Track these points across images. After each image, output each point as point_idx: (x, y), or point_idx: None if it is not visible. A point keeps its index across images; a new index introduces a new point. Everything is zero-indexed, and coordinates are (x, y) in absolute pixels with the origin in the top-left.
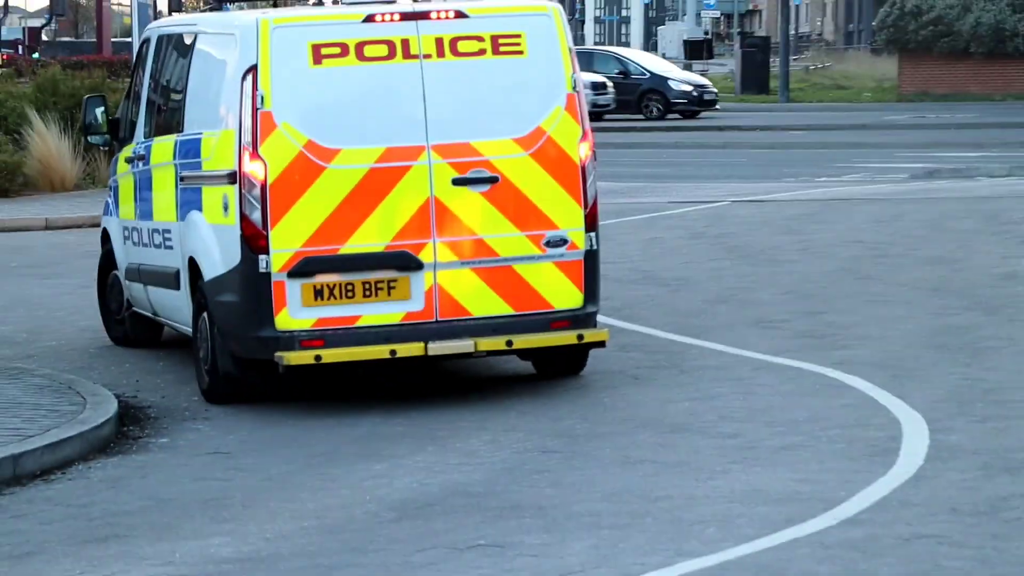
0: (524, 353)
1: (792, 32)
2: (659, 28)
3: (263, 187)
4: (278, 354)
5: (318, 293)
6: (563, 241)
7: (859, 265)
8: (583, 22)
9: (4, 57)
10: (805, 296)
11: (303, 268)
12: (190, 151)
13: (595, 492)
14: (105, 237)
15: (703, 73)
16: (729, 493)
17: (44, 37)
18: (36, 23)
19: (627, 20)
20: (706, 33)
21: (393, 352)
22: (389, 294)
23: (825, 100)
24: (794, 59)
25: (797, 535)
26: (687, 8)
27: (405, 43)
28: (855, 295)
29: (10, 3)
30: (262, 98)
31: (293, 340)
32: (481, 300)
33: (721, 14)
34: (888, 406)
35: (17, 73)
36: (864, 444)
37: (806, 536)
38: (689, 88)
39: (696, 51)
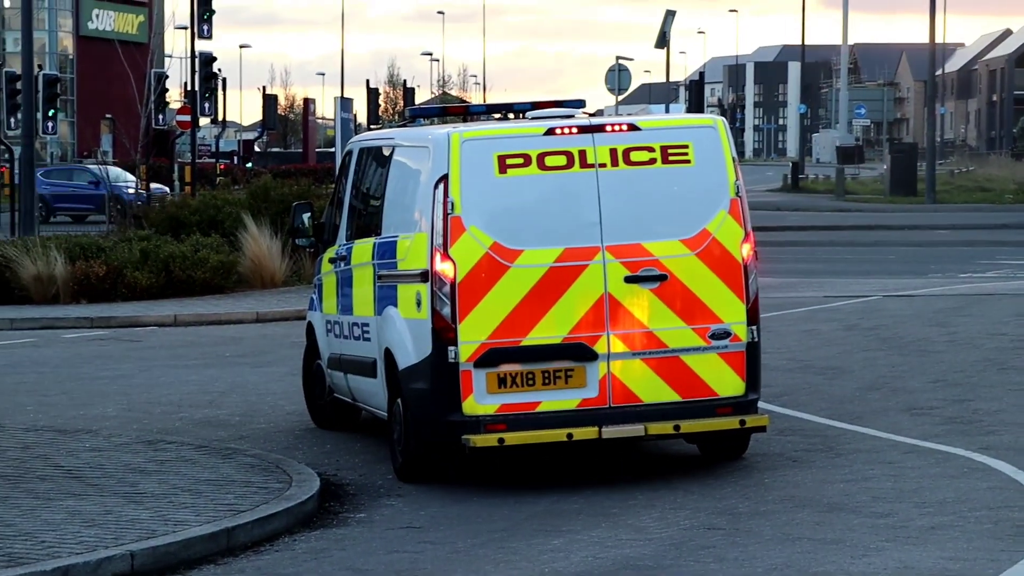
0: (690, 437)
1: (938, 139)
2: (814, 135)
3: (453, 285)
4: (465, 437)
5: (501, 381)
6: (727, 334)
7: (1003, 356)
8: (743, 130)
9: (222, 167)
10: (952, 384)
11: (488, 358)
12: (387, 252)
13: (757, 567)
14: (310, 330)
15: (854, 177)
16: (883, 570)
17: (256, 148)
18: (249, 136)
19: (783, 128)
20: (857, 140)
21: (570, 435)
22: (566, 382)
23: (969, 201)
24: (940, 163)
25: None
26: (839, 117)
27: (582, 153)
28: (999, 384)
29: (227, 118)
30: (452, 204)
31: (479, 424)
32: (651, 388)
33: (871, 122)
34: None
35: (233, 181)
36: (1010, 525)
37: None
38: None
39: (848, 156)
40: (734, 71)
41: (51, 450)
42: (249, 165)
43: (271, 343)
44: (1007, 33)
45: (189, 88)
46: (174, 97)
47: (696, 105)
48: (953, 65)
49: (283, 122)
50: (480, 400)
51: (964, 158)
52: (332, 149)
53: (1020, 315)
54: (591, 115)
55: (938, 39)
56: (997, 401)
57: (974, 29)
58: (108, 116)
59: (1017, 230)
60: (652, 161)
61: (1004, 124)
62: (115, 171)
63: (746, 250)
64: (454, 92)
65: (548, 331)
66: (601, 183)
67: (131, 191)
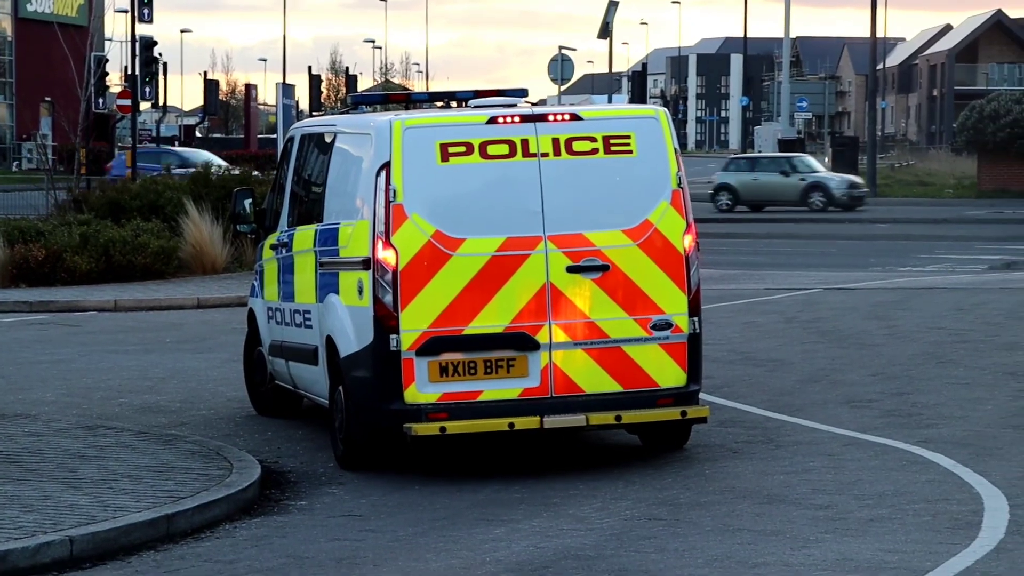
0: (632, 427)
1: (879, 132)
2: (756, 128)
3: (394, 273)
4: (406, 425)
5: (443, 370)
6: (668, 325)
7: (942, 350)
8: (685, 122)
9: None
10: (891, 377)
11: (430, 347)
12: (329, 239)
13: (697, 558)
14: (251, 316)
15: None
16: (822, 561)
17: (198, 134)
18: (191, 121)
19: (726, 120)
20: (799, 133)
21: (511, 425)
22: (508, 372)
23: (909, 196)
24: (880, 157)
25: None
26: (781, 109)
27: (525, 143)
28: (938, 377)
29: (168, 103)
30: (394, 192)
31: (420, 413)
32: (592, 378)
33: (813, 115)
34: (970, 482)
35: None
36: (947, 517)
37: None
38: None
39: (789, 149)
40: (676, 63)
41: None
42: None
43: (212, 329)
44: (947, 28)
45: (129, 72)
46: (114, 81)
47: (638, 96)
48: (894, 59)
49: (224, 108)
50: (422, 389)
51: (905, 152)
52: (274, 135)
53: (959, 309)
54: (533, 104)
55: (879, 33)
56: (936, 394)
57: (915, 24)
58: (48, 99)
59: (956, 224)
60: (594, 151)
61: (944, 119)
62: (205, 155)
63: (688, 241)
64: (396, 80)
65: (490, 320)
66: (543, 173)
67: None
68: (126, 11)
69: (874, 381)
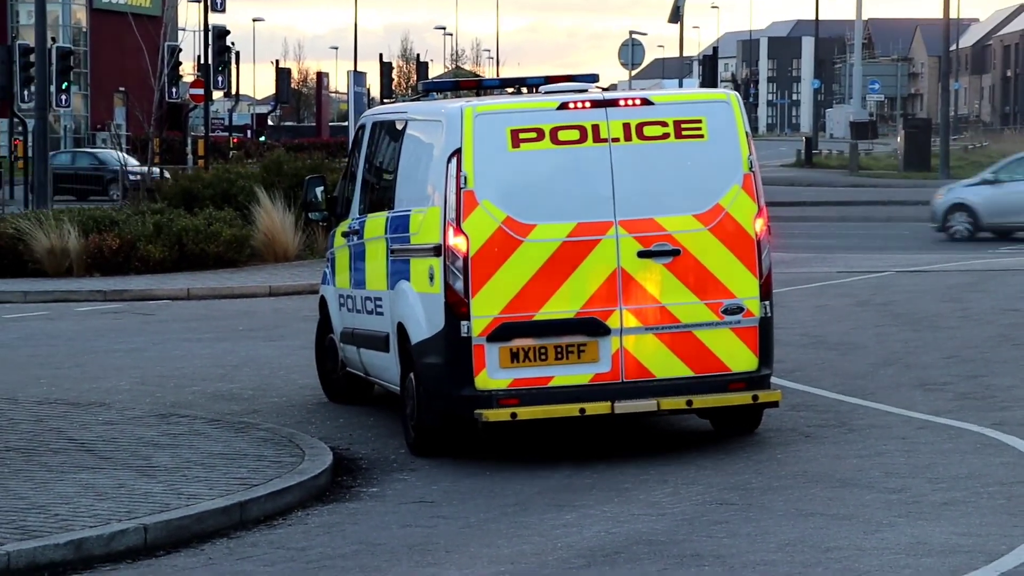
0: (703, 412)
1: (952, 114)
2: (827, 111)
3: (465, 259)
4: (477, 411)
5: (514, 356)
6: (740, 309)
7: (1016, 332)
8: (756, 106)
9: (235, 140)
10: (965, 360)
11: (501, 333)
12: (400, 226)
13: (770, 542)
14: (322, 304)
15: (868, 153)
16: (895, 545)
17: (270, 122)
18: (263, 110)
19: (797, 103)
20: (871, 115)
21: (582, 410)
22: (579, 357)
23: None
24: (954, 139)
25: None
26: (853, 92)
27: (595, 128)
28: (1013, 360)
29: (240, 92)
30: (465, 178)
31: (491, 399)
32: (663, 363)
33: (885, 97)
34: None
35: (246, 155)
36: (1022, 500)
37: None
38: None
39: (861, 132)
40: (748, 46)
41: (64, 423)
42: (262, 139)
43: (284, 317)
44: (1021, 8)
45: (202, 61)
46: (187, 70)
47: (709, 80)
48: (967, 40)
49: (296, 96)
50: (493, 375)
51: (978, 133)
52: (345, 123)
53: None
54: (604, 90)
55: (952, 14)
56: (1010, 377)
57: (988, 4)
58: (121, 89)
59: None
60: (665, 136)
61: (1018, 99)
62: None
63: (759, 225)
64: (467, 67)
65: (561, 306)
66: (614, 158)
67: None
68: (199, 1)
69: (948, 364)
